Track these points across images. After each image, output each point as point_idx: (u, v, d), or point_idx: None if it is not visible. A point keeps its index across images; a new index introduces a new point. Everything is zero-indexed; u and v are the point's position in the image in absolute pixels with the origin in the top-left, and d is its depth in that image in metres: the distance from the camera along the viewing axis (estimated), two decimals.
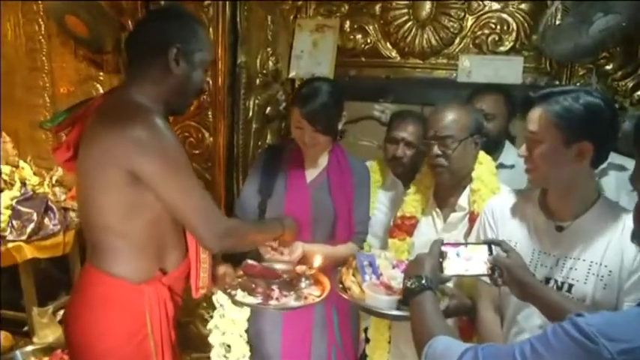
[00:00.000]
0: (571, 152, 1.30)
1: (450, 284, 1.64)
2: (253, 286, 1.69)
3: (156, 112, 1.34)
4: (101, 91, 3.03)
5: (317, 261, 1.78)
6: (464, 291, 1.69)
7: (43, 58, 3.09)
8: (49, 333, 2.72)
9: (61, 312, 2.81)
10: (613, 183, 1.90)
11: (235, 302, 1.67)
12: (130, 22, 2.70)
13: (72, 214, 2.88)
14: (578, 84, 2.38)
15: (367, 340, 2.04)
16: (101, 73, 3.02)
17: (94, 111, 1.39)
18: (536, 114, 1.34)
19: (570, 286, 1.37)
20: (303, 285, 1.72)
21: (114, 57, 2.93)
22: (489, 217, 1.57)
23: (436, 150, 1.70)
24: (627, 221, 1.33)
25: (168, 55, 1.36)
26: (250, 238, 1.64)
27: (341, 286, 1.64)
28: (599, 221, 1.36)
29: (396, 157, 2.09)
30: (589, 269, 1.34)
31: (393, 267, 1.67)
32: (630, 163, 1.93)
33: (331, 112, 1.83)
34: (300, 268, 1.78)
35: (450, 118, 1.71)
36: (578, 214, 1.38)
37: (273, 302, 1.62)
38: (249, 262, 1.74)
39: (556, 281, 1.39)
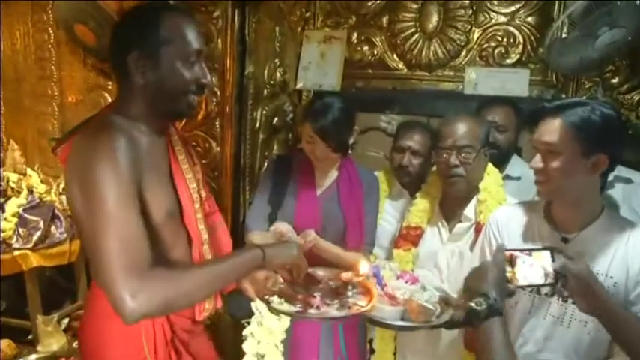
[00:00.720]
0: (587, 164, 1.31)
1: (454, 294, 1.64)
2: (293, 292, 1.54)
3: (119, 131, 1.16)
4: (109, 99, 3.05)
5: (363, 267, 1.65)
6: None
7: (52, 66, 3.11)
8: (53, 341, 2.71)
9: (66, 320, 2.81)
10: (619, 195, 1.90)
11: (272, 310, 1.52)
12: None
13: None
14: (584, 96, 2.39)
15: (372, 351, 2.03)
16: (109, 82, 3.03)
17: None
18: (554, 125, 1.32)
19: None
20: (350, 294, 1.58)
21: None
22: (494, 229, 1.57)
23: (454, 160, 1.71)
24: (632, 233, 1.34)
25: (129, 65, 1.21)
26: (193, 287, 1.10)
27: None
28: (605, 233, 1.36)
29: (402, 166, 2.11)
30: None
31: (397, 277, 1.66)
32: (636, 177, 1.96)
33: (343, 127, 1.85)
34: (346, 275, 1.65)
35: (467, 128, 1.72)
36: (583, 225, 1.38)
37: (312, 311, 1.48)
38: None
39: (561, 293, 1.39)
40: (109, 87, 3.03)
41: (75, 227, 1.22)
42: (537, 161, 1.37)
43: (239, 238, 2.10)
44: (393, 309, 1.50)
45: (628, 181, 1.94)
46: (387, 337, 1.94)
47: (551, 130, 1.33)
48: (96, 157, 1.08)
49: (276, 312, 1.53)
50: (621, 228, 1.37)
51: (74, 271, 2.97)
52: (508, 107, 2.19)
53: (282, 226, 1.84)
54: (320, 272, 1.64)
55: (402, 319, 1.50)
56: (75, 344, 2.64)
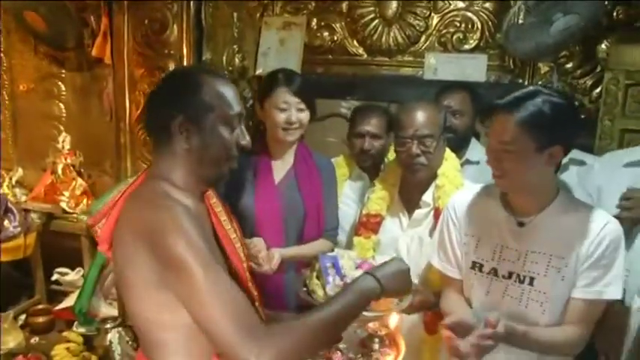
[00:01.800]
0: (542, 158, 1.32)
1: (415, 280, 1.66)
2: None
3: (178, 204, 1.11)
4: (63, 89, 2.96)
5: (393, 321, 1.54)
6: (430, 286, 1.71)
7: (1, 54, 2.99)
8: (10, 339, 2.63)
9: (23, 316, 2.73)
10: (574, 177, 1.95)
11: None
12: (92, 19, 2.64)
13: (33, 216, 2.80)
14: (540, 82, 2.44)
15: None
16: (63, 71, 2.94)
17: (124, 200, 1.20)
18: (506, 124, 1.31)
19: (532, 279, 1.40)
20: (375, 347, 1.49)
21: (76, 54, 2.85)
22: (452, 214, 1.59)
23: (416, 149, 1.70)
24: (583, 214, 1.38)
25: (172, 130, 1.16)
26: (313, 335, 1.06)
27: (305, 289, 1.60)
28: (559, 216, 1.39)
29: (364, 150, 2.14)
30: (549, 262, 1.38)
31: (357, 267, 1.66)
32: (589, 158, 2.01)
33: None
34: (373, 326, 1.55)
35: (427, 116, 1.72)
36: (538, 210, 1.41)
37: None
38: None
39: (518, 275, 1.42)
40: (62, 75, 2.94)
41: (125, 305, 1.18)
42: (492, 161, 1.38)
43: None
44: None
45: (581, 163, 1.99)
46: None
47: (503, 129, 1.32)
48: (171, 230, 1.04)
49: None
50: (574, 210, 1.40)
51: (30, 266, 2.89)
52: (464, 92, 2.21)
53: (259, 243, 1.81)
54: None
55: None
56: (32, 341, 2.57)
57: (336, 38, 2.75)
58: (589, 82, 2.41)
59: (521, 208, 1.43)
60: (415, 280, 1.70)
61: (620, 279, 1.35)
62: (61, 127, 2.98)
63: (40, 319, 2.64)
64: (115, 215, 1.17)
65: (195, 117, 1.16)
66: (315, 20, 2.76)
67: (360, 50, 2.73)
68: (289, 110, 1.85)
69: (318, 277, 1.60)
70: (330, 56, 2.77)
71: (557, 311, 1.39)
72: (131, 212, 1.12)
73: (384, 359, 1.45)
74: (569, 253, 1.36)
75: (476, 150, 2.21)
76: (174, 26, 2.25)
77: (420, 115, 1.72)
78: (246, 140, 1.23)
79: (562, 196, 1.42)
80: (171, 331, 1.12)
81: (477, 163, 2.16)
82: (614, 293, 1.35)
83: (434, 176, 1.79)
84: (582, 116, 2.32)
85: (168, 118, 1.16)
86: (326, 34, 2.75)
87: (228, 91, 1.21)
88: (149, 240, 1.04)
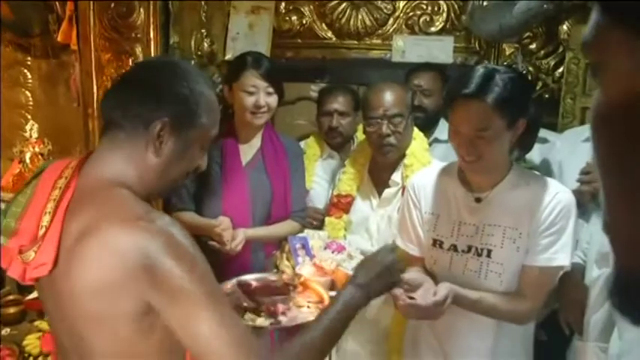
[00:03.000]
0: (510, 134, 1.35)
1: None
2: (256, 305, 1.48)
3: (173, 223, 0.96)
4: (29, 76, 2.90)
5: (306, 271, 1.61)
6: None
7: None
8: None
9: None
10: (537, 154, 2.00)
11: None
12: (57, 5, 2.59)
13: (2, 206, 2.76)
14: (505, 63, 2.48)
15: None
16: (29, 58, 2.88)
17: (64, 214, 0.94)
18: (480, 110, 1.31)
19: (489, 251, 1.43)
20: (292, 294, 1.54)
21: (42, 41, 2.80)
22: (412, 193, 1.61)
23: (386, 129, 1.72)
24: (536, 186, 1.42)
25: (149, 130, 0.97)
26: (315, 356, 1.05)
27: (276, 270, 1.63)
28: (513, 189, 1.43)
29: (332, 128, 2.17)
30: (504, 234, 1.42)
31: (325, 247, 1.68)
32: (551, 136, 2.07)
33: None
34: (286, 277, 1.61)
35: (395, 96, 1.74)
36: (494, 184, 1.44)
37: (283, 318, 1.44)
38: (244, 279, 1.55)
39: (476, 248, 1.46)
40: (28, 63, 2.88)
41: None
42: (468, 153, 1.37)
43: None
44: (322, 280, 1.52)
45: (544, 140, 2.04)
46: None
47: (477, 116, 1.32)
48: (171, 255, 0.89)
49: (255, 329, 1.43)
50: (527, 182, 1.43)
51: None
52: (434, 72, 2.26)
53: (224, 221, 1.83)
54: (250, 279, 1.57)
55: (332, 290, 1.52)
56: (4, 332, 2.54)
57: (304, 22, 2.76)
58: (552, 63, 2.47)
59: (478, 185, 1.47)
60: None
61: (569, 247, 1.39)
62: (28, 116, 2.93)
63: (11, 310, 2.60)
64: (56, 234, 0.92)
65: (180, 126, 0.99)
66: (283, 4, 2.76)
67: (329, 34, 2.75)
68: (257, 94, 1.86)
69: (288, 259, 1.62)
70: (299, 40, 2.78)
71: (513, 281, 1.43)
72: (105, 232, 0.89)
73: (309, 299, 1.49)
74: (523, 224, 1.40)
75: (445, 129, 2.25)
76: (141, 9, 2.22)
77: (389, 95, 1.75)
78: (204, 163, 1.10)
79: (515, 170, 1.46)
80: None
81: (446, 141, 2.20)
82: (562, 260, 1.38)
83: (402, 156, 1.82)
84: (546, 95, 2.39)
85: (149, 115, 0.97)
86: (294, 17, 2.76)
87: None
88: (141, 265, 0.87)
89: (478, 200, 1.46)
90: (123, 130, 0.99)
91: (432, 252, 1.54)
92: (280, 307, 1.45)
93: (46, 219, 0.93)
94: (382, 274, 1.20)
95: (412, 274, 1.41)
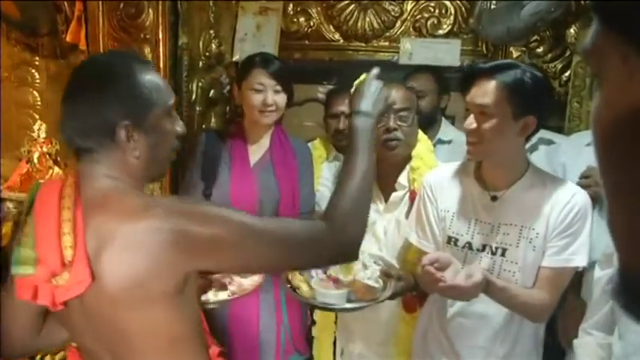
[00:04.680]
0: (517, 126, 1.35)
1: (392, 260, 1.70)
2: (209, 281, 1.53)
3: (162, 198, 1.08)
4: (37, 76, 2.91)
5: None
6: (407, 266, 1.74)
7: None
8: None
9: None
10: (543, 156, 2.01)
11: (213, 304, 1.50)
12: (66, 4, 2.60)
13: (9, 205, 2.77)
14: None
15: (313, 322, 2.06)
16: (37, 58, 2.89)
17: (84, 236, 0.95)
18: (488, 87, 1.34)
19: (504, 250, 1.45)
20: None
21: (50, 41, 2.81)
22: (428, 190, 1.62)
23: (393, 124, 1.71)
24: (552, 187, 1.43)
25: (117, 138, 1.00)
26: (360, 197, 1.10)
27: (289, 285, 1.59)
28: (529, 189, 1.44)
29: (339, 131, 2.17)
30: (520, 233, 1.43)
31: None
32: (557, 138, 2.07)
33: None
34: None
35: (401, 92, 1.74)
36: (510, 183, 1.45)
37: (235, 289, 1.51)
38: None
39: (491, 247, 1.47)
40: (36, 63, 2.89)
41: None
42: (471, 122, 1.40)
43: None
44: (339, 293, 1.51)
45: (550, 142, 2.05)
46: (327, 320, 1.98)
47: (485, 91, 1.35)
48: (187, 218, 0.95)
49: (219, 304, 1.52)
50: (544, 182, 1.44)
51: (6, 256, 2.85)
52: (427, 74, 2.32)
53: None
54: None
55: (349, 300, 1.52)
56: None
57: (312, 23, 2.76)
58: (559, 66, 2.47)
59: (494, 183, 1.48)
60: (393, 261, 1.74)
61: (586, 248, 1.40)
62: (36, 116, 2.94)
63: None
64: (83, 250, 0.94)
65: (141, 119, 1.01)
66: (291, 6, 2.77)
67: (337, 35, 2.75)
68: (265, 92, 1.86)
69: (301, 273, 1.61)
70: (306, 42, 2.78)
71: (528, 280, 1.44)
72: (124, 233, 0.93)
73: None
74: (540, 224, 1.41)
75: (447, 130, 2.27)
76: (150, 10, 2.23)
77: (395, 92, 1.75)
78: (181, 127, 1.11)
79: (532, 170, 1.47)
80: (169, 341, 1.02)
81: (449, 142, 2.22)
82: (580, 261, 1.40)
83: (408, 158, 1.82)
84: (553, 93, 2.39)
85: (107, 126, 0.99)
86: (302, 19, 2.76)
87: (159, 78, 1.07)
88: (171, 244, 0.93)
89: (494, 199, 1.47)
90: (92, 151, 1.01)
91: (446, 249, 1.55)
92: (226, 279, 1.52)
93: (67, 239, 0.94)
94: (378, 96, 1.23)
95: (440, 253, 1.41)
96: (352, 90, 1.28)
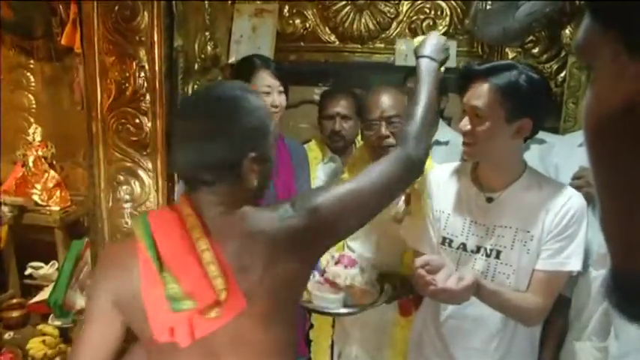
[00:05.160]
0: (511, 129, 1.35)
1: (391, 265, 1.69)
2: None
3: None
4: (32, 79, 2.91)
5: None
6: (404, 270, 1.74)
7: None
8: None
9: None
10: (536, 156, 2.00)
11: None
12: (60, 7, 2.60)
13: (4, 209, 2.76)
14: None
15: (311, 325, 2.05)
16: (32, 61, 2.89)
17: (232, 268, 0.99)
18: (482, 89, 1.35)
19: (498, 252, 1.44)
20: None
21: (45, 43, 2.81)
22: (428, 187, 1.62)
23: (385, 131, 1.71)
24: (547, 189, 1.43)
25: (242, 170, 1.02)
26: (427, 118, 1.31)
27: None
28: (525, 191, 1.43)
29: (335, 132, 2.18)
30: (515, 236, 1.42)
31: (336, 263, 1.66)
32: (549, 137, 2.07)
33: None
34: None
35: (392, 98, 1.74)
36: (506, 185, 1.44)
37: None
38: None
39: (485, 249, 1.46)
40: (31, 66, 2.88)
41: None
42: (466, 124, 1.40)
43: None
44: (336, 297, 1.52)
45: (542, 141, 2.04)
46: (324, 323, 1.97)
47: (479, 94, 1.35)
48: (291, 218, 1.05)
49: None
50: (540, 185, 1.44)
51: (3, 260, 2.84)
52: None
53: None
54: None
55: (345, 304, 1.53)
56: (7, 336, 2.53)
57: (308, 25, 2.77)
58: (554, 67, 2.47)
59: (490, 184, 1.47)
60: (390, 263, 1.74)
61: (581, 251, 1.39)
62: (31, 119, 2.94)
63: (15, 314, 2.60)
64: (232, 275, 0.96)
65: (264, 149, 1.05)
66: (286, 7, 2.77)
67: (332, 37, 2.76)
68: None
69: None
70: (302, 43, 2.78)
71: (521, 283, 1.43)
72: (254, 243, 1.01)
73: None
74: (535, 227, 1.40)
75: (444, 131, 2.26)
76: (145, 12, 2.22)
77: (386, 98, 1.74)
78: (274, 151, 1.16)
79: (529, 172, 1.46)
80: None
81: (446, 143, 2.22)
82: (574, 265, 1.39)
83: None
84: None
85: (234, 159, 1.02)
86: (298, 21, 2.76)
87: (265, 104, 1.13)
88: (286, 240, 1.03)
89: (490, 200, 1.47)
90: (211, 182, 1.03)
91: (440, 250, 1.55)
92: None
93: (213, 269, 0.95)
94: (440, 44, 1.42)
95: (432, 256, 1.41)
96: (416, 42, 1.46)
